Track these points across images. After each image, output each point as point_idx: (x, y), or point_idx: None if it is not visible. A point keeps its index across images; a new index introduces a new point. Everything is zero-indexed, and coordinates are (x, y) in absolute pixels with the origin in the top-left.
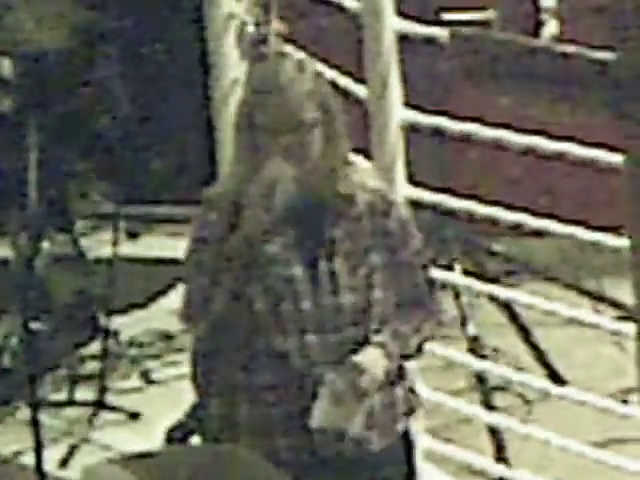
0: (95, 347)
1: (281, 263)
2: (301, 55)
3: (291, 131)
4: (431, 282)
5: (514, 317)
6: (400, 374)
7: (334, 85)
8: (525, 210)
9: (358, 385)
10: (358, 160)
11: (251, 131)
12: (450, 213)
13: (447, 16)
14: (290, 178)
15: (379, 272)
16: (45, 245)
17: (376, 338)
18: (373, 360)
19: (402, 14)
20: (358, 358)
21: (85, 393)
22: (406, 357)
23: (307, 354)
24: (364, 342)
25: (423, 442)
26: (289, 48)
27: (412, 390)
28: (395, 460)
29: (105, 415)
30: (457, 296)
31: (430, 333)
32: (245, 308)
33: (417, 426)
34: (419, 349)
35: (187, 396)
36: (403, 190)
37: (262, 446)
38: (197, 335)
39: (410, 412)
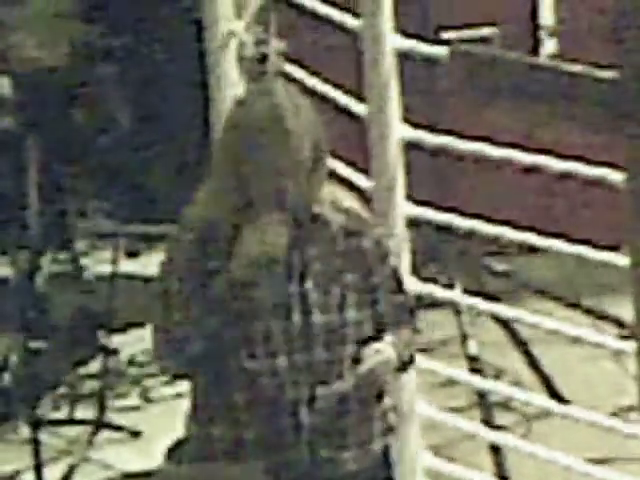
0: (95, 366)
1: (252, 285)
2: (294, 93)
3: (290, 176)
4: (410, 301)
5: (515, 335)
6: (379, 393)
7: (329, 101)
8: (526, 228)
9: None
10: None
11: (238, 160)
12: (450, 231)
13: (446, 34)
14: (285, 232)
15: (353, 292)
16: (45, 263)
17: (386, 337)
18: (382, 353)
19: (402, 32)
20: (366, 350)
21: (85, 412)
22: (399, 367)
23: (277, 375)
24: (337, 363)
25: (424, 459)
26: (288, 66)
27: (393, 409)
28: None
29: (105, 434)
30: (458, 314)
31: (413, 352)
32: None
33: (418, 443)
34: (410, 362)
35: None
36: (403, 208)
37: (236, 467)
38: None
39: (388, 431)
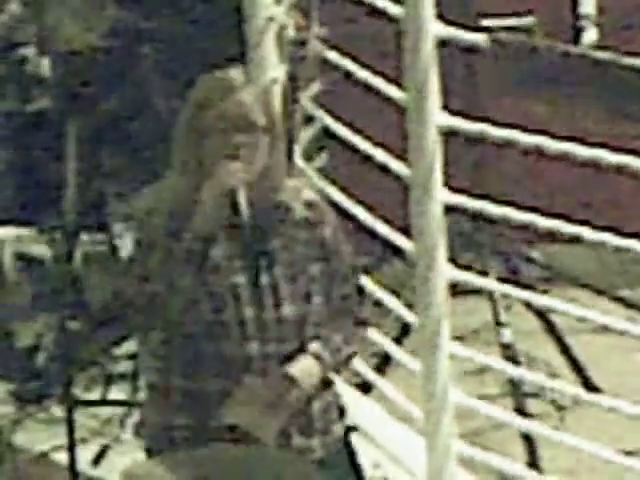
0: (129, 347)
1: (225, 270)
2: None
3: (243, 131)
4: (361, 292)
5: (548, 324)
6: (328, 381)
7: (371, 89)
8: (562, 217)
9: (283, 396)
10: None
11: (198, 136)
12: (486, 219)
13: (487, 22)
14: (241, 180)
15: (317, 282)
16: (81, 244)
17: (311, 347)
18: (306, 372)
19: (442, 19)
20: (292, 370)
21: (118, 392)
22: (337, 368)
23: (249, 363)
24: (301, 351)
25: (456, 447)
26: (328, 51)
27: (339, 395)
28: (339, 465)
29: (138, 415)
30: (492, 302)
31: (358, 343)
32: (198, 312)
33: (450, 431)
34: (348, 361)
35: None
36: (440, 195)
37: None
38: (151, 338)
39: (343, 416)
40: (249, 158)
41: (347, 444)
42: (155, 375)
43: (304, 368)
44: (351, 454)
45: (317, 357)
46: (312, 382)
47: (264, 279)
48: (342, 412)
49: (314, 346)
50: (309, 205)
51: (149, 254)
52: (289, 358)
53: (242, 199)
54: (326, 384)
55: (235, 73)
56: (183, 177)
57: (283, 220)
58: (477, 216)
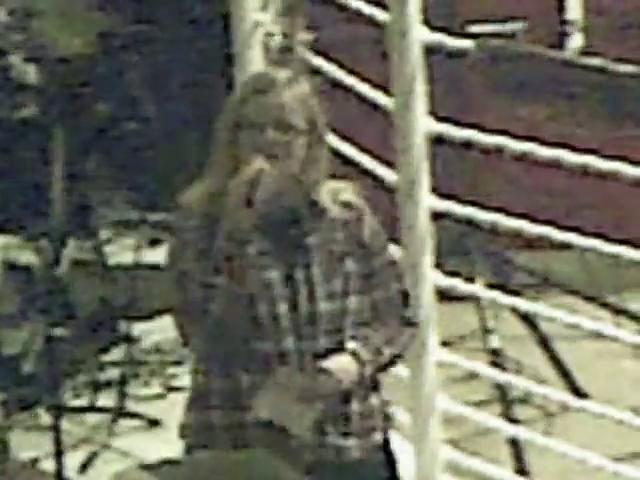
0: (116, 354)
1: (258, 266)
2: (298, 70)
3: (278, 129)
4: (405, 294)
5: (536, 330)
6: (374, 385)
7: (359, 96)
8: (548, 223)
9: (316, 388)
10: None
11: (236, 132)
12: (473, 225)
13: (473, 28)
14: (271, 175)
15: (354, 280)
16: (68, 251)
17: (349, 346)
18: (343, 368)
19: (429, 25)
20: (327, 363)
21: (106, 400)
22: (379, 369)
23: (285, 358)
24: (339, 349)
25: (444, 453)
26: (314, 57)
27: (387, 403)
28: (374, 470)
29: (126, 422)
30: (479, 308)
31: (403, 346)
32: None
33: (438, 437)
34: (392, 361)
35: None
36: (427, 201)
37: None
38: (195, 341)
39: (387, 425)
40: (282, 156)
41: (388, 453)
42: (196, 375)
43: (340, 364)
44: (391, 463)
45: (355, 355)
46: (348, 379)
47: (299, 275)
48: (387, 419)
49: (352, 344)
50: (346, 205)
51: (183, 256)
52: (325, 355)
53: (264, 195)
54: (370, 387)
55: (280, 72)
56: (219, 175)
57: (319, 219)
58: (465, 221)
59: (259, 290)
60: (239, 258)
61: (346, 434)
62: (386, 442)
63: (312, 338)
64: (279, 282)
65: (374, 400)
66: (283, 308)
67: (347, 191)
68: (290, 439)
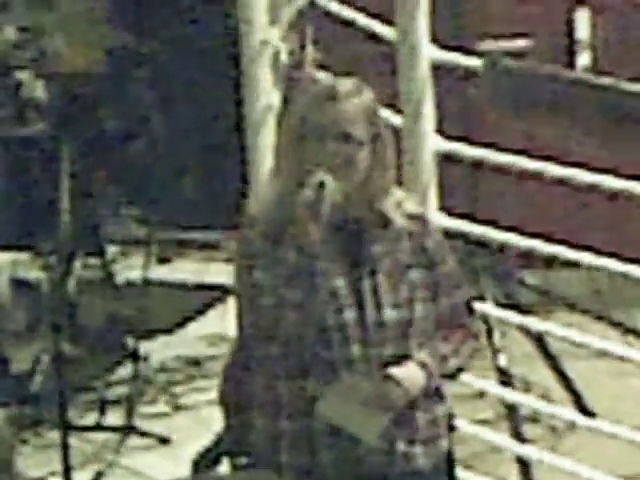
0: (124, 372)
1: (325, 274)
2: (361, 82)
3: (340, 140)
4: (469, 304)
5: (544, 348)
6: (439, 394)
7: None
8: (556, 241)
9: (384, 395)
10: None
11: (299, 144)
12: (481, 243)
13: (482, 45)
14: (334, 186)
15: (419, 289)
16: (76, 269)
17: (418, 355)
18: (410, 376)
19: (437, 42)
20: (394, 370)
21: (114, 418)
22: (446, 377)
23: (351, 365)
24: (405, 357)
25: None
26: (323, 75)
27: (451, 413)
28: (439, 478)
29: (134, 440)
30: (487, 326)
31: (468, 355)
32: (311, 319)
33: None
34: (458, 370)
35: (215, 422)
36: (435, 218)
37: (305, 460)
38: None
39: (450, 433)
40: (344, 168)
41: (450, 462)
42: (262, 382)
43: (407, 372)
44: (451, 473)
45: (423, 365)
46: (415, 387)
47: (365, 284)
48: (451, 429)
49: (421, 354)
50: (410, 217)
51: (252, 266)
52: (391, 362)
53: (328, 207)
54: (435, 396)
55: (344, 82)
56: (284, 185)
57: (384, 229)
58: (472, 240)
59: (326, 299)
60: (308, 272)
61: (412, 442)
62: (449, 452)
63: (379, 346)
64: (346, 290)
65: (439, 409)
66: (350, 316)
67: (410, 202)
68: (358, 445)
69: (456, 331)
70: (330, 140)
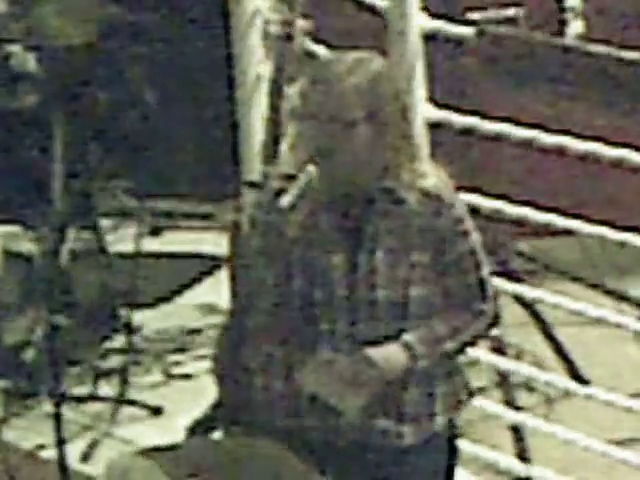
0: (118, 342)
1: (320, 249)
2: (369, 54)
3: (333, 121)
4: (483, 282)
5: (537, 316)
6: (446, 372)
7: None
8: (548, 209)
9: (359, 374)
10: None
11: (299, 121)
12: (473, 211)
13: (473, 15)
14: (313, 170)
15: (421, 270)
16: (69, 240)
17: (404, 336)
18: (388, 357)
19: (428, 12)
20: (371, 351)
21: (108, 388)
22: (449, 356)
23: (336, 341)
24: (396, 338)
25: None
26: (314, 45)
27: (465, 387)
28: (429, 456)
29: (127, 410)
30: None
31: (476, 334)
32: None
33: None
34: (461, 349)
35: (210, 391)
36: None
37: (292, 424)
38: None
39: (454, 410)
40: (337, 148)
41: (450, 439)
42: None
43: (386, 354)
44: (452, 449)
45: (406, 346)
46: (393, 369)
47: (362, 261)
48: (458, 405)
49: (406, 335)
50: (426, 194)
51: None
52: (381, 342)
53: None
54: (434, 374)
55: (342, 59)
56: (288, 162)
57: (392, 206)
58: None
59: (319, 272)
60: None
61: (399, 420)
62: (451, 428)
63: (368, 324)
64: (340, 266)
65: (440, 387)
66: (340, 292)
67: (433, 176)
68: (338, 417)
69: (463, 311)
70: (324, 121)
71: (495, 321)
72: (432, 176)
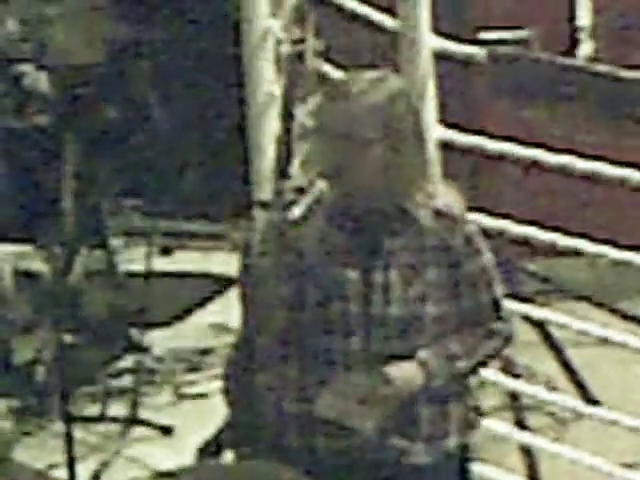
0: (128, 362)
1: (335, 265)
2: (385, 72)
3: (346, 140)
4: (496, 302)
5: (547, 337)
6: (459, 391)
7: None
8: (559, 229)
9: (377, 392)
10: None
11: (312, 142)
12: (483, 232)
13: (484, 35)
14: (324, 184)
15: (436, 288)
16: (79, 260)
17: (420, 354)
18: (405, 374)
19: (439, 32)
20: (389, 369)
21: (118, 408)
22: (462, 375)
23: (350, 357)
24: (409, 356)
25: None
26: (325, 65)
27: (474, 408)
28: (443, 475)
29: (137, 430)
30: None
31: (489, 354)
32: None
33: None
34: (474, 369)
35: (221, 411)
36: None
37: (304, 445)
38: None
39: (466, 430)
40: (350, 167)
41: (463, 459)
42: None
43: (403, 371)
44: (463, 470)
45: (422, 364)
46: (409, 386)
47: (377, 278)
48: (470, 426)
49: (422, 353)
50: (439, 213)
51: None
52: (395, 358)
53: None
54: (448, 394)
55: (359, 78)
56: (298, 181)
57: (406, 224)
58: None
59: (333, 288)
60: (299, 270)
61: (413, 438)
62: (464, 449)
63: (382, 341)
64: (355, 282)
65: (453, 406)
66: (355, 308)
67: (445, 195)
68: (352, 437)
69: (477, 330)
70: (336, 140)
71: (509, 341)
72: (444, 195)
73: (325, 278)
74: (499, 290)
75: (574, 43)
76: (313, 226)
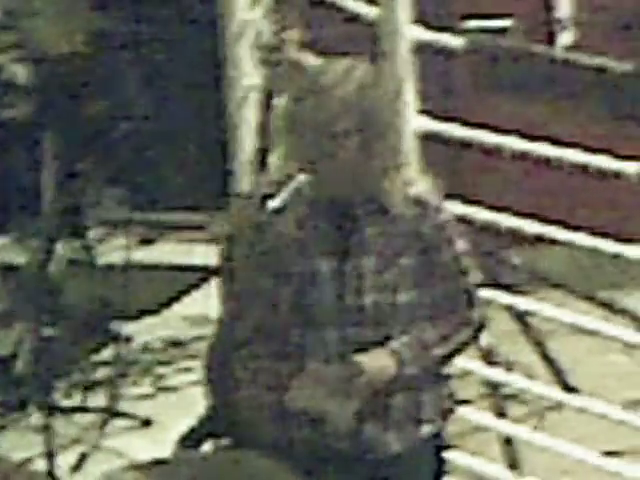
0: (107, 353)
1: (307, 256)
2: (355, 60)
3: (321, 134)
4: (469, 290)
5: (527, 327)
6: (435, 379)
7: None
8: (540, 220)
9: (348, 382)
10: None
11: (287, 133)
12: (463, 221)
13: (463, 24)
14: (303, 177)
15: (409, 275)
16: (59, 251)
17: (393, 343)
18: (376, 364)
19: (420, 22)
20: (360, 357)
21: (97, 399)
22: (436, 363)
23: (325, 348)
24: (382, 343)
25: None
26: (304, 55)
27: (450, 395)
28: (417, 463)
29: (117, 422)
30: None
31: (462, 342)
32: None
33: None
34: (449, 357)
35: (200, 403)
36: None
37: (280, 435)
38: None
39: (441, 418)
40: (325, 159)
41: (437, 446)
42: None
43: (374, 360)
44: (439, 457)
45: (394, 353)
46: (381, 375)
47: (349, 267)
48: (445, 414)
49: (394, 342)
50: (413, 201)
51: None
52: (368, 347)
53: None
54: (421, 381)
55: (331, 69)
56: (276, 173)
57: (379, 213)
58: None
59: (307, 279)
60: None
61: (385, 427)
62: (438, 438)
63: (356, 329)
64: (328, 272)
65: (427, 394)
66: (329, 298)
67: (420, 184)
68: (325, 428)
69: (450, 318)
70: (310, 134)
71: (482, 329)
72: (418, 183)
73: (300, 268)
74: (472, 278)
75: (553, 33)
76: (290, 217)
